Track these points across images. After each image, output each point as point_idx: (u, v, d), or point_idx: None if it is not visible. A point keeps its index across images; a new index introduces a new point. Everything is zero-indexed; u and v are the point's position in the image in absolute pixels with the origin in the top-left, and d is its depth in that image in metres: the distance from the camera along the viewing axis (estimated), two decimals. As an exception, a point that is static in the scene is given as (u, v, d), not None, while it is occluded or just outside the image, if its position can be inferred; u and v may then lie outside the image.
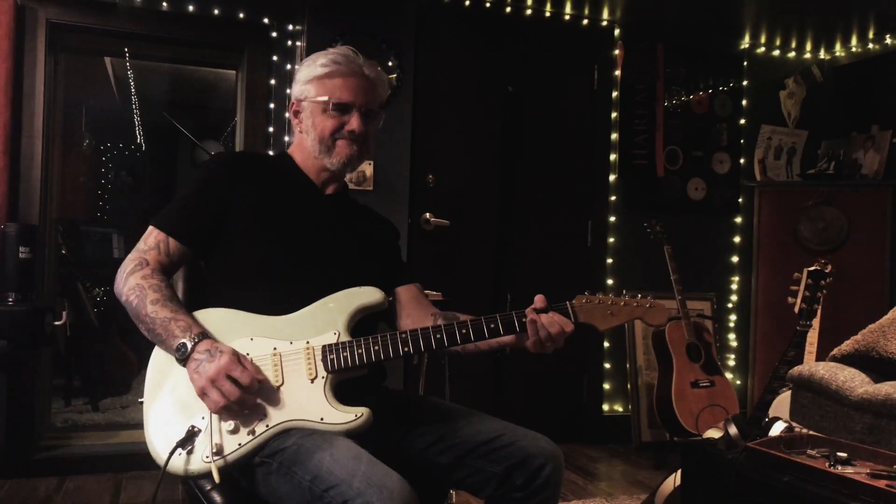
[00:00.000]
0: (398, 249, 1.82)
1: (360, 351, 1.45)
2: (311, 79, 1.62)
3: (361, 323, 1.52)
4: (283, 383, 1.42)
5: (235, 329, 1.47)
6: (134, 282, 1.48)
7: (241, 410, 1.38)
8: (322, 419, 1.40)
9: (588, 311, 1.50)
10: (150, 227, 1.57)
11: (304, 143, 1.66)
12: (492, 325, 1.47)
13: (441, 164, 3.70)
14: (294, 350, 1.45)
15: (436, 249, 3.69)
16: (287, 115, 3.52)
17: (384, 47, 3.45)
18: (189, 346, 1.38)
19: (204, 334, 1.41)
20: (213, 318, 1.48)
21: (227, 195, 1.57)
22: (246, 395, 1.36)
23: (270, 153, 3.45)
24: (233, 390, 1.35)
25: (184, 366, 1.40)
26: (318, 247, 1.60)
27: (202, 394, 1.37)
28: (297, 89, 1.65)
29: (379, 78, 1.66)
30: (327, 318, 1.49)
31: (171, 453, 1.36)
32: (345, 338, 1.47)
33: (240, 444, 1.38)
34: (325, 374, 1.44)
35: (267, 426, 1.39)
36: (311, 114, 1.63)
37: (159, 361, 1.47)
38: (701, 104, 4.21)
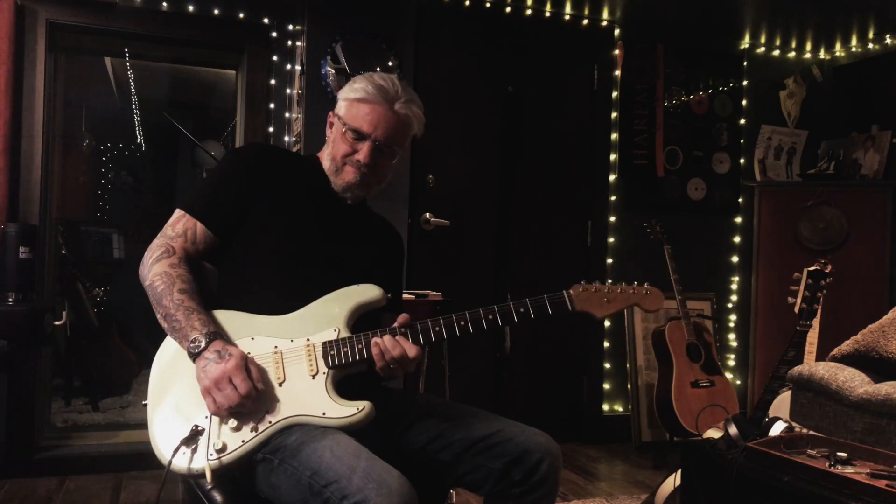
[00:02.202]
0: (401, 277, 1.84)
1: (359, 346, 1.46)
2: (344, 98, 1.64)
3: (362, 320, 1.53)
4: (284, 380, 1.44)
5: (236, 330, 1.48)
6: (161, 269, 1.49)
7: (240, 413, 1.40)
8: (324, 413, 1.41)
9: (585, 300, 1.52)
10: (179, 212, 1.58)
11: (325, 153, 1.69)
12: (489, 317, 1.49)
13: (441, 165, 3.70)
14: (295, 347, 1.47)
15: (436, 249, 3.69)
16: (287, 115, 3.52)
17: (384, 47, 3.45)
18: (203, 342, 1.41)
19: (217, 334, 1.43)
20: (216, 319, 1.49)
21: (252, 186, 1.59)
22: (244, 401, 1.37)
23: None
24: (232, 395, 1.37)
25: (194, 361, 1.41)
26: (329, 250, 1.61)
27: (205, 394, 1.39)
28: (337, 103, 1.68)
29: (409, 117, 1.65)
30: (327, 316, 1.50)
31: (175, 452, 1.37)
32: (345, 334, 1.48)
33: (243, 441, 1.39)
34: (325, 369, 1.45)
35: (270, 423, 1.40)
36: (335, 131, 1.66)
37: (164, 361, 1.49)
38: (701, 104, 4.21)
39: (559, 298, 1.51)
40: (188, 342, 1.42)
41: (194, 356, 1.41)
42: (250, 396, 1.38)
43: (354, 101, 1.62)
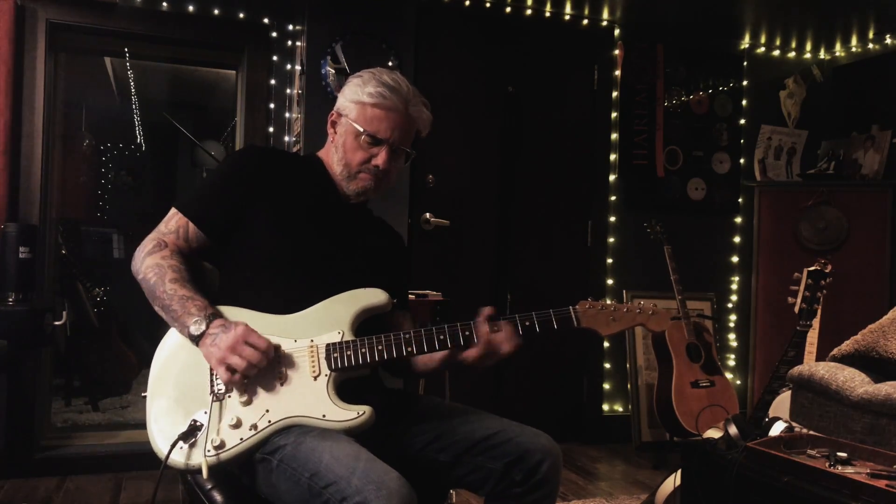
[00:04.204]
0: (405, 275, 1.83)
1: (363, 350, 1.46)
2: (355, 101, 1.62)
3: (366, 323, 1.53)
4: (286, 380, 1.43)
5: None
6: (153, 261, 1.50)
7: (256, 378, 1.40)
8: (324, 416, 1.41)
9: (591, 317, 1.52)
10: (173, 210, 1.58)
11: (332, 155, 1.67)
12: (496, 329, 1.50)
13: (441, 164, 3.70)
14: (298, 348, 1.46)
15: (436, 249, 3.69)
16: (292, 112, 3.52)
17: (384, 47, 3.45)
18: (203, 323, 1.41)
19: (217, 314, 1.44)
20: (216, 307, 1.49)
21: (251, 190, 1.58)
22: (264, 358, 1.38)
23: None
24: (252, 353, 1.37)
25: (197, 344, 1.41)
26: (332, 251, 1.61)
27: (220, 364, 1.38)
28: (340, 101, 1.66)
29: (420, 118, 1.65)
30: (332, 318, 1.50)
31: (173, 446, 1.37)
32: (349, 337, 1.48)
33: (241, 439, 1.39)
34: (328, 372, 1.45)
35: (269, 421, 1.40)
36: (345, 133, 1.64)
37: (165, 353, 1.49)
38: (701, 104, 4.21)
39: (565, 315, 1.51)
40: (188, 327, 1.41)
41: (197, 338, 1.41)
42: (270, 353, 1.39)
43: (369, 105, 1.60)
